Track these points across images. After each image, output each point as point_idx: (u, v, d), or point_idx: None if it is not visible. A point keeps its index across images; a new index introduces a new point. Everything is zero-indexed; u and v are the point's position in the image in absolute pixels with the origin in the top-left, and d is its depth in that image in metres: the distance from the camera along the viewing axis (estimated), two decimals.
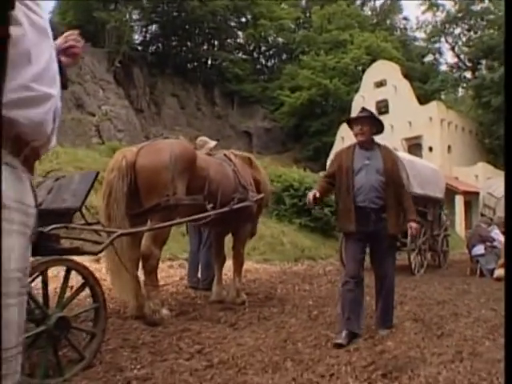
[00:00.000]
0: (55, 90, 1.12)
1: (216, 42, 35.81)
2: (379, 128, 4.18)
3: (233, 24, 36.84)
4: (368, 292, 5.36)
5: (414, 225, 4.05)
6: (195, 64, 35.27)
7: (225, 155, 5.24)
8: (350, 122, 4.21)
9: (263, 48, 39.12)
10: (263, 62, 40.02)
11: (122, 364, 2.96)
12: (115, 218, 3.91)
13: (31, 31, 1.04)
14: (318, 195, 4.01)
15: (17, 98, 1.00)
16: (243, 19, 37.38)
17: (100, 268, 5.66)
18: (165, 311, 4.17)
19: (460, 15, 34.45)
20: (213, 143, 5.82)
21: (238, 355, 3.18)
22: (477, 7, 33.84)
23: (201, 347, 3.37)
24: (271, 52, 39.34)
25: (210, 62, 35.74)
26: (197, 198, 4.40)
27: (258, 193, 5.34)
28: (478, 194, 22.11)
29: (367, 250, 4.09)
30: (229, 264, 5.79)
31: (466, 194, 21.56)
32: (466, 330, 4.04)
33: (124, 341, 3.46)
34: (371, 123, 4.09)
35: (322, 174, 21.17)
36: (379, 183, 3.90)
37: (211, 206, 4.50)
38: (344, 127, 28.68)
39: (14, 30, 0.94)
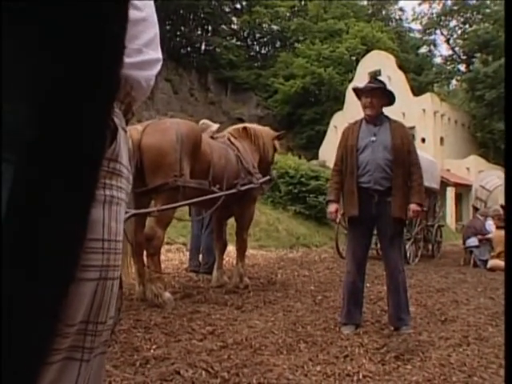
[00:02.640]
0: (160, 54, 1.16)
1: (210, 28, 35.41)
2: (390, 100, 3.78)
3: (227, 10, 36.42)
4: (367, 279, 5.49)
5: (414, 207, 3.56)
6: (189, 49, 34.88)
7: (229, 140, 5.18)
8: (358, 93, 3.80)
9: (257, 35, 38.73)
10: (257, 49, 39.69)
11: (137, 344, 3.00)
12: None
13: (149, 2, 1.12)
14: (338, 211, 3.75)
15: (138, 60, 1.04)
16: (238, 5, 36.98)
17: None
18: (167, 295, 4.15)
19: (456, 8, 34.53)
20: (215, 126, 5.81)
21: (250, 337, 3.23)
22: (473, 0, 33.97)
23: (213, 328, 3.42)
24: (265, 39, 38.97)
25: (203, 47, 35.36)
26: (203, 183, 4.36)
27: (260, 166, 5.29)
28: (468, 186, 22.44)
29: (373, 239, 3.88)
30: (229, 249, 5.84)
31: (457, 186, 21.77)
32: (468, 316, 4.15)
33: (136, 321, 3.50)
34: (382, 95, 3.70)
35: (315, 162, 21.21)
36: (386, 162, 3.56)
37: (218, 186, 4.49)
38: (337, 116, 28.75)
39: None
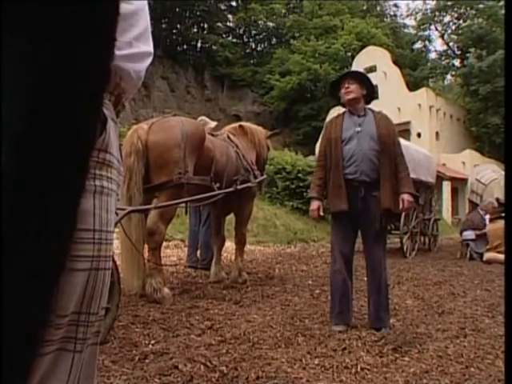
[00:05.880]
0: (151, 48, 1.17)
1: (206, 26, 35.33)
2: (370, 91, 3.65)
3: (223, 7, 36.36)
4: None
5: (406, 196, 3.42)
6: (185, 47, 34.82)
7: (228, 137, 5.23)
8: (337, 86, 3.69)
9: (253, 32, 38.70)
10: (253, 45, 39.62)
11: (135, 339, 2.99)
12: (136, 199, 3.91)
13: None
14: (321, 208, 3.58)
15: (128, 52, 1.04)
16: (233, 3, 36.94)
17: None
18: (166, 290, 4.17)
19: (450, 3, 34.53)
20: (213, 124, 5.86)
21: (249, 331, 3.24)
22: None
23: (211, 323, 3.43)
24: (261, 36, 38.94)
25: (199, 45, 35.33)
26: (205, 179, 4.43)
27: (257, 163, 5.37)
28: (464, 180, 22.53)
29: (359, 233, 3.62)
30: (227, 245, 5.85)
31: (453, 180, 21.84)
32: (465, 308, 4.19)
33: (134, 317, 3.50)
34: (359, 81, 3.58)
35: (311, 158, 21.24)
36: (373, 152, 3.42)
37: (217, 185, 4.54)
38: (333, 112, 28.74)
39: None
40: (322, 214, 3.60)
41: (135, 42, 1.08)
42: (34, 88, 0.57)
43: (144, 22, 1.13)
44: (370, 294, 3.50)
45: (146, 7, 1.15)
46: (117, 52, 0.73)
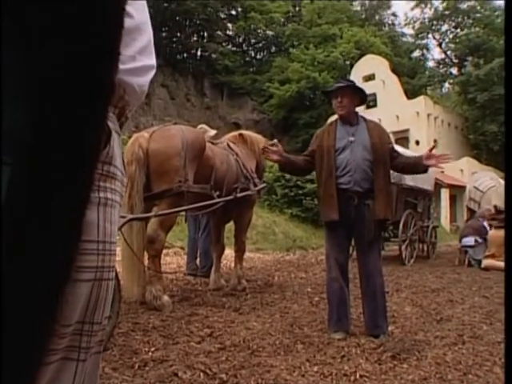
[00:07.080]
0: (154, 61, 1.18)
1: (206, 34, 35.55)
2: (362, 98, 3.64)
3: (223, 16, 36.63)
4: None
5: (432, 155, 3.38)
6: (185, 55, 35.01)
7: (228, 145, 5.26)
8: (329, 95, 3.65)
9: (253, 40, 38.95)
10: (252, 54, 39.85)
11: (135, 347, 3.00)
12: (137, 208, 3.94)
13: (142, 8, 1.13)
14: (280, 151, 3.60)
15: (131, 66, 1.06)
16: (233, 12, 37.22)
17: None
18: (166, 297, 4.18)
19: (447, 12, 34.90)
20: (213, 132, 5.89)
21: (248, 338, 3.25)
22: (464, 5, 34.41)
23: (211, 331, 3.44)
24: (261, 45, 39.18)
25: (199, 53, 35.53)
26: (205, 187, 4.45)
27: (256, 171, 5.41)
28: (462, 187, 22.54)
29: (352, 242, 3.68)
30: (226, 252, 5.87)
31: (451, 187, 21.88)
32: (463, 315, 4.20)
33: (134, 324, 3.52)
34: (352, 94, 3.53)
35: None
36: (366, 162, 3.40)
37: (217, 193, 4.56)
38: (332, 120, 28.88)
39: (131, 6, 1.04)
40: (277, 157, 3.60)
41: (138, 56, 1.10)
42: (40, 99, 0.58)
43: (146, 35, 1.14)
44: (366, 301, 3.49)
45: (149, 21, 1.17)
46: (120, 66, 0.76)
